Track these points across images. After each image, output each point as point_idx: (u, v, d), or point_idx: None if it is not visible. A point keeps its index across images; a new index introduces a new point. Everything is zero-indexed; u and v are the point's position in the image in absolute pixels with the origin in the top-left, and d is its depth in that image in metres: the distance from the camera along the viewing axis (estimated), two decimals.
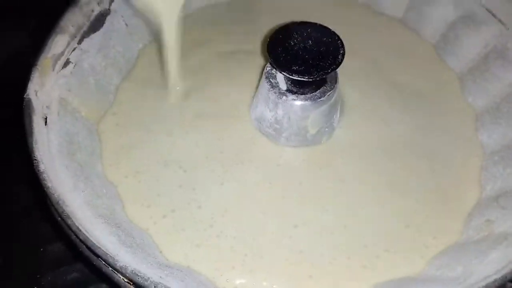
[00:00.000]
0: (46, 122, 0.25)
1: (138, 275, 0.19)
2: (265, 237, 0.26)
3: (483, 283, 0.19)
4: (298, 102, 0.28)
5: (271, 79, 0.29)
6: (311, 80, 0.27)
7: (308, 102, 0.28)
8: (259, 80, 0.30)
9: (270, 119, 0.29)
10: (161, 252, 0.25)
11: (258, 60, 0.33)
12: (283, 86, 0.28)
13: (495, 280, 0.19)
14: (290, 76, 0.27)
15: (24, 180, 0.31)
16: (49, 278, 0.29)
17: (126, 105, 0.31)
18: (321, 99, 0.28)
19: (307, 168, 0.29)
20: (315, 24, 0.28)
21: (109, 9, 0.31)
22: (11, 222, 0.31)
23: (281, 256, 0.25)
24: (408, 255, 0.26)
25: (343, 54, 0.27)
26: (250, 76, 0.32)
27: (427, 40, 0.36)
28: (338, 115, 0.30)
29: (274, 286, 0.24)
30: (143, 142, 0.29)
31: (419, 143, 0.30)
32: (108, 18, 0.31)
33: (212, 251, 0.25)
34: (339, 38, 0.28)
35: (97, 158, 0.28)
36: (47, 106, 0.25)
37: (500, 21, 0.32)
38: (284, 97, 0.28)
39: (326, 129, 0.30)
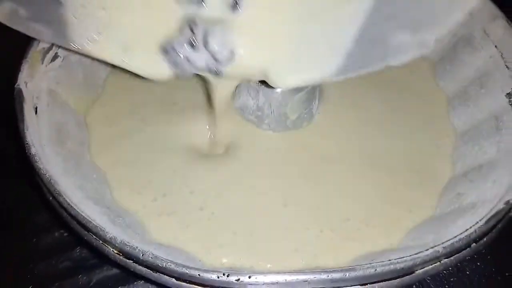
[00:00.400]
0: (36, 111, 0.26)
1: (127, 245, 0.20)
2: (255, 217, 0.27)
3: (449, 243, 0.20)
4: (278, 89, 0.29)
5: None
6: None
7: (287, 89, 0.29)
8: None
9: (252, 106, 0.30)
10: (150, 233, 0.26)
11: None
12: None
13: (460, 240, 0.21)
14: None
15: (16, 171, 0.32)
16: (42, 267, 0.30)
17: (114, 97, 0.32)
18: None
19: (292, 150, 0.30)
20: None
21: None
22: (3, 213, 0.32)
23: (269, 234, 0.26)
24: (386, 229, 0.27)
25: None
26: None
27: None
28: (317, 102, 0.32)
29: (260, 262, 0.26)
30: (132, 132, 0.30)
31: (395, 127, 0.32)
32: None
33: (201, 231, 0.26)
34: None
35: (87, 148, 0.29)
36: (36, 97, 0.26)
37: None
38: (264, 84, 0.29)
39: (305, 115, 0.31)
